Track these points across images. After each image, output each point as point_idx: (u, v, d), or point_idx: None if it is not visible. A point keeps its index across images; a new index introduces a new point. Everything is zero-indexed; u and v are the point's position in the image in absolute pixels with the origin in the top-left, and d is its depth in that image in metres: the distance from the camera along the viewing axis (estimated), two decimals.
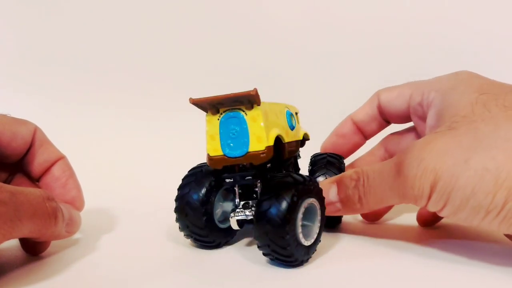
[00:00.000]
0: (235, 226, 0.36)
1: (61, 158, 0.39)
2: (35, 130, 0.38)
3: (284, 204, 0.33)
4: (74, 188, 0.39)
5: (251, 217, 0.35)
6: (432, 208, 0.33)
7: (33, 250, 0.36)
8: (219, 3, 0.64)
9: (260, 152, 0.34)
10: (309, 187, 0.34)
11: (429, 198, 0.32)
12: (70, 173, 0.39)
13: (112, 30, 0.65)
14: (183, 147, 0.58)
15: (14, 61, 0.66)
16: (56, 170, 0.38)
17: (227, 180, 0.35)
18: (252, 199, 0.36)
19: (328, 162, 0.41)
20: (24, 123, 0.38)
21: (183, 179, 0.37)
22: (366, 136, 0.45)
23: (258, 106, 0.34)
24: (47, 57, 0.65)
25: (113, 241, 0.39)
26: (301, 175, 0.35)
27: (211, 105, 0.34)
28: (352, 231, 0.41)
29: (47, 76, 0.65)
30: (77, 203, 0.38)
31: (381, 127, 0.45)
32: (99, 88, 0.64)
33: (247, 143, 0.34)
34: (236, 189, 0.36)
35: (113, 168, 0.54)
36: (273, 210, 0.33)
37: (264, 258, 0.35)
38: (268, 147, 0.34)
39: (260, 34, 0.64)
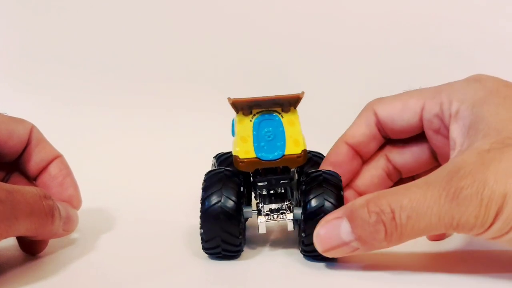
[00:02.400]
0: (263, 230, 0.35)
1: (58, 157, 0.39)
2: (32, 129, 0.38)
3: (335, 201, 0.33)
4: (71, 187, 0.38)
5: (279, 220, 0.35)
6: (490, 235, 0.30)
7: (31, 249, 0.36)
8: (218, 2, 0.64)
9: (297, 155, 0.34)
10: (341, 182, 0.35)
11: (491, 225, 0.29)
12: (67, 172, 0.39)
13: (111, 29, 0.65)
14: (183, 147, 0.58)
15: (11, 59, 0.65)
16: (53, 169, 0.38)
17: (260, 184, 0.35)
18: (274, 202, 0.35)
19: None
20: (20, 121, 0.37)
21: (207, 183, 0.34)
22: (363, 158, 0.40)
23: (295, 109, 0.34)
24: (44, 56, 0.65)
25: (112, 241, 0.39)
26: (329, 171, 0.35)
27: (248, 106, 0.33)
28: None
29: (44, 75, 0.64)
30: (74, 201, 0.38)
31: (380, 144, 0.40)
32: (96, 87, 0.64)
33: (283, 146, 0.34)
34: (262, 192, 0.35)
35: (110, 167, 0.54)
36: (325, 211, 0.33)
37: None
38: (304, 150, 0.34)
39: (259, 31, 0.64)
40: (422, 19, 0.61)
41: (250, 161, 0.34)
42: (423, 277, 0.33)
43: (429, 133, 0.37)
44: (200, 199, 0.34)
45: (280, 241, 0.38)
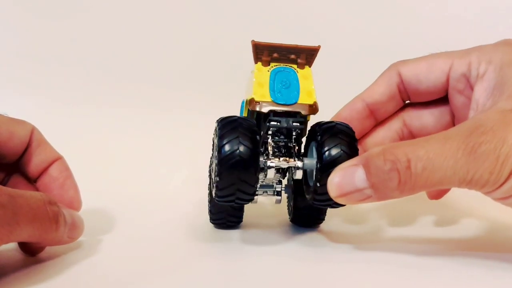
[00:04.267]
0: (271, 174, 0.35)
1: (59, 158, 0.38)
2: (33, 130, 0.37)
3: (351, 151, 0.34)
4: (71, 189, 0.38)
5: (287, 166, 0.35)
6: (499, 195, 0.31)
7: (31, 250, 0.36)
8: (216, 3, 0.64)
9: (309, 104, 0.35)
10: (354, 133, 0.35)
11: (503, 184, 0.30)
12: (67, 173, 0.38)
13: (110, 30, 0.65)
14: (183, 147, 0.58)
15: (11, 60, 0.65)
16: (53, 171, 0.38)
17: (273, 123, 0.35)
18: (282, 155, 0.36)
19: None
20: (21, 123, 0.37)
21: (223, 130, 0.33)
22: (377, 119, 0.40)
23: (310, 68, 0.36)
24: (45, 57, 0.65)
25: (113, 242, 0.39)
26: (342, 123, 0.36)
27: (269, 51, 0.35)
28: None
29: (44, 77, 0.64)
30: (74, 203, 0.38)
31: (397, 108, 0.40)
32: (96, 88, 0.64)
33: (297, 95, 0.35)
34: (269, 136, 0.36)
35: (111, 169, 0.54)
36: (342, 158, 0.33)
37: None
38: (315, 103, 0.35)
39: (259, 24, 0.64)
40: None
41: (264, 103, 0.35)
42: (426, 268, 0.33)
43: (452, 93, 0.37)
44: (216, 147, 0.33)
45: (281, 237, 0.39)
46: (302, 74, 0.36)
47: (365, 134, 0.40)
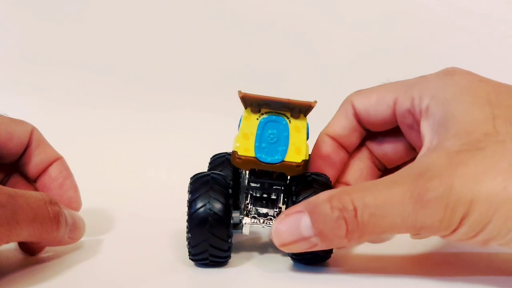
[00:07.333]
0: (246, 232, 0.34)
1: (58, 158, 0.38)
2: (32, 130, 0.38)
3: None
4: (71, 189, 0.38)
5: (265, 226, 0.34)
6: (455, 238, 0.30)
7: (30, 249, 0.36)
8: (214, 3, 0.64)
9: (296, 164, 0.33)
10: (331, 181, 0.34)
11: (456, 229, 0.29)
12: (67, 173, 0.38)
13: (110, 31, 0.65)
14: (183, 147, 0.58)
15: (11, 61, 0.65)
16: (53, 171, 0.38)
17: (253, 185, 0.34)
18: (263, 206, 0.35)
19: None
20: (21, 123, 0.37)
21: (194, 185, 0.33)
22: (348, 150, 0.39)
23: (305, 118, 0.33)
24: (44, 57, 0.65)
25: (111, 243, 0.39)
26: (317, 173, 0.35)
27: (258, 104, 0.32)
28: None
29: (44, 77, 0.65)
30: (73, 204, 0.38)
31: (362, 137, 0.39)
32: (96, 88, 0.64)
33: (284, 152, 0.33)
34: (253, 193, 0.35)
35: (111, 169, 0.54)
36: None
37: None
38: (304, 161, 0.33)
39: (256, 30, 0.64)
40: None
41: (247, 159, 0.33)
42: (411, 281, 0.33)
43: (403, 128, 0.37)
44: (187, 202, 0.33)
45: (268, 246, 0.38)
46: (295, 125, 0.33)
47: (343, 171, 0.39)
